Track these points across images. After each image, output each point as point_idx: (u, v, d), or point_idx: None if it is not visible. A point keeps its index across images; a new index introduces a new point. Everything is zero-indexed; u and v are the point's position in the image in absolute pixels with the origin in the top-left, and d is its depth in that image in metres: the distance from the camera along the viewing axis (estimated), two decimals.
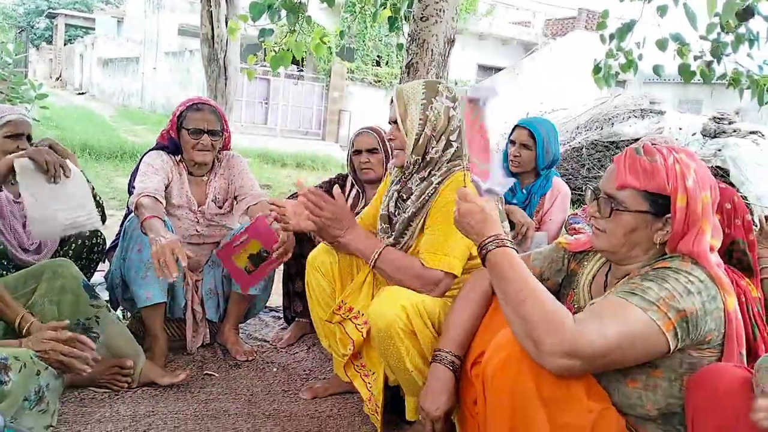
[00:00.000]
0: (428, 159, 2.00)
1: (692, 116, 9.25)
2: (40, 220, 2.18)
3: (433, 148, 1.98)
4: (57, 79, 29.75)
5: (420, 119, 1.96)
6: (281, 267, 2.92)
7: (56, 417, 1.94)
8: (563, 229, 2.93)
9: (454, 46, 3.64)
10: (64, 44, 30.41)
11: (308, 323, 2.79)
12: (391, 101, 2.03)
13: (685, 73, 4.18)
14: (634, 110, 9.00)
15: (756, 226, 2.12)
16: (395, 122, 2.00)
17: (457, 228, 1.55)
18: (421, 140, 1.97)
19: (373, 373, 2.05)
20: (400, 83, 3.61)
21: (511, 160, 2.88)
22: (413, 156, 1.99)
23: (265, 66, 5.77)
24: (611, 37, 4.42)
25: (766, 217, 2.27)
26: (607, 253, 1.50)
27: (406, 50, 3.61)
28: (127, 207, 2.65)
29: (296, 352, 2.76)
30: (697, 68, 4.15)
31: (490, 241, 1.44)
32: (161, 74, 19.41)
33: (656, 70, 4.38)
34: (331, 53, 17.21)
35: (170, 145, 2.64)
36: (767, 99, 3.96)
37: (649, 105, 9.15)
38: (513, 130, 2.91)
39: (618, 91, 10.92)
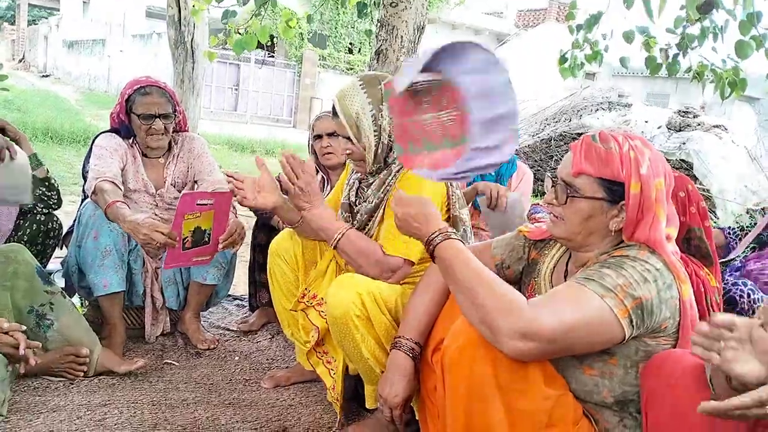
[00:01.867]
0: (389, 161, 1.98)
1: (659, 109, 9.41)
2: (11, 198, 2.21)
3: (393, 152, 1.96)
4: (20, 61, 28.91)
5: (374, 131, 1.90)
6: (247, 256, 2.88)
7: (7, 406, 1.89)
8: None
9: (426, 33, 3.63)
10: (28, 25, 29.57)
11: (272, 311, 2.76)
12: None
13: (652, 64, 4.23)
14: (602, 102, 9.12)
15: (715, 219, 2.17)
16: (348, 138, 1.93)
17: (401, 233, 1.55)
18: (380, 150, 1.93)
19: (336, 360, 2.03)
20: (369, 70, 3.59)
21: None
22: (375, 165, 1.97)
23: (228, 50, 5.68)
24: (578, 27, 4.46)
25: None
26: (564, 240, 1.51)
27: (376, 37, 3.58)
28: (83, 192, 2.57)
29: (259, 341, 2.73)
30: (662, 60, 4.20)
31: (435, 236, 1.46)
32: (128, 57, 19.02)
33: (623, 62, 4.44)
34: (302, 39, 17.08)
35: (122, 128, 2.55)
36: (728, 93, 4.03)
37: (617, 98, 9.28)
38: None
39: (587, 84, 11.04)
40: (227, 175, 1.99)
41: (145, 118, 2.47)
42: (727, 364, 1.05)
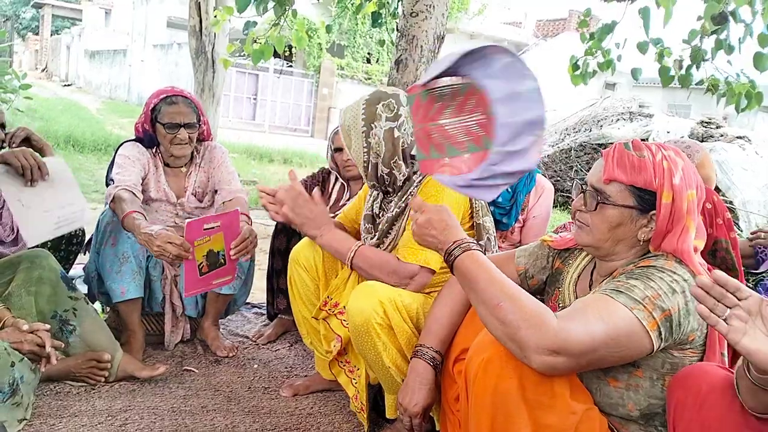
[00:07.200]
0: (396, 186, 1.98)
1: (680, 120, 9.31)
2: (31, 223, 2.17)
3: (388, 174, 1.95)
4: (43, 70, 29.42)
5: (364, 147, 1.94)
6: (265, 264, 2.88)
7: (30, 410, 1.91)
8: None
9: (444, 43, 3.63)
10: (51, 35, 30.10)
11: (290, 320, 2.76)
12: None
13: (664, 76, 4.19)
14: (622, 113, 9.05)
15: (739, 231, 2.14)
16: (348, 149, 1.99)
17: (418, 243, 1.52)
18: (369, 168, 1.95)
19: (358, 369, 2.03)
20: (389, 80, 3.60)
21: None
22: (369, 181, 1.99)
23: (243, 57, 5.73)
24: (591, 36, 4.44)
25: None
26: (590, 249, 1.48)
27: (396, 46, 3.59)
28: (106, 199, 2.60)
29: (278, 349, 2.73)
30: (675, 72, 4.16)
31: (456, 247, 1.41)
32: (149, 67, 19.27)
33: (634, 73, 4.40)
34: (321, 49, 17.18)
35: (145, 138, 2.58)
36: (743, 106, 3.98)
37: (637, 108, 9.20)
38: None
39: (607, 94, 10.97)
40: (259, 190, 2.00)
41: (170, 128, 2.49)
42: (734, 334, 1.02)
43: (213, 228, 2.18)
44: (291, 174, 2.00)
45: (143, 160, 2.54)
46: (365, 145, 1.93)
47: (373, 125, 1.91)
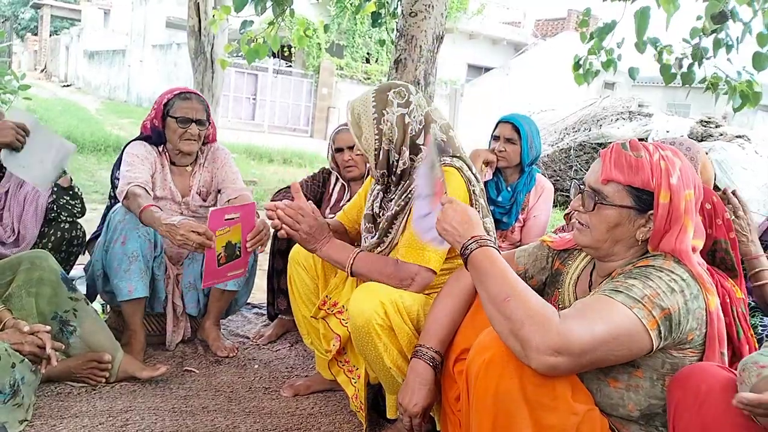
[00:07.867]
0: (399, 173, 1.97)
1: (680, 119, 9.31)
2: (38, 176, 2.29)
3: (398, 160, 1.94)
4: (42, 71, 29.41)
5: (375, 134, 1.92)
6: (266, 265, 2.89)
7: (31, 411, 1.91)
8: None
9: (443, 43, 3.63)
10: (50, 35, 30.11)
11: (291, 321, 2.76)
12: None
13: (666, 74, 4.19)
14: (622, 112, 9.04)
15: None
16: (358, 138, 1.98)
17: (439, 232, 1.54)
18: (381, 156, 1.94)
19: (357, 369, 2.03)
20: (388, 80, 3.60)
21: (496, 156, 2.87)
22: (378, 170, 1.97)
23: (242, 57, 5.72)
24: (591, 35, 4.44)
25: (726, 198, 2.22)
26: (589, 249, 1.49)
27: (395, 46, 3.59)
28: (109, 199, 2.61)
29: (278, 350, 2.73)
30: (677, 70, 4.16)
31: (473, 242, 1.44)
32: (148, 67, 19.28)
33: (631, 72, 4.41)
34: (320, 49, 17.19)
35: (153, 134, 2.59)
36: (737, 106, 3.99)
37: (637, 107, 9.19)
38: (496, 126, 2.91)
39: (606, 93, 10.97)
40: (267, 209, 1.97)
41: (182, 122, 2.52)
42: None
43: (233, 219, 2.21)
44: (294, 187, 2.00)
45: (151, 159, 2.56)
46: (377, 132, 1.91)
47: (384, 111, 1.90)
